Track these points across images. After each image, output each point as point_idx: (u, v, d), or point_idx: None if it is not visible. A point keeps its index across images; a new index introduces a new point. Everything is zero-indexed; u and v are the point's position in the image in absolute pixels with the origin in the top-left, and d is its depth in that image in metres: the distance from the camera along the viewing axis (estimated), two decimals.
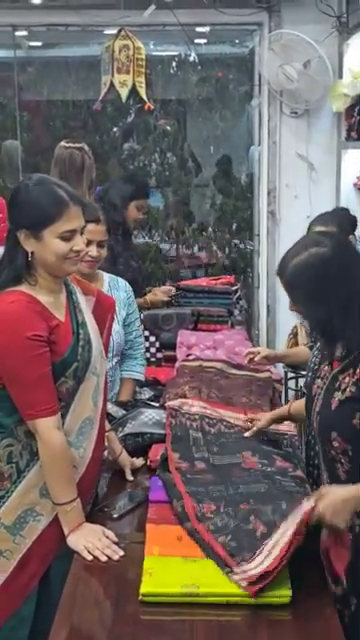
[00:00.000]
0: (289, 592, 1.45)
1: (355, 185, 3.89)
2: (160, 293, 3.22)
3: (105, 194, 3.23)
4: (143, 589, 1.45)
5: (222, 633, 1.38)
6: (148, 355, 3.09)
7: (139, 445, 2.09)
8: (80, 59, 4.91)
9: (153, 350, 3.14)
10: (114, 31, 3.72)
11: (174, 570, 1.49)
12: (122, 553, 1.61)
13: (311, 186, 4.03)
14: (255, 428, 2.06)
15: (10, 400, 1.67)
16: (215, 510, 1.65)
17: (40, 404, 1.64)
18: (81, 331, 1.78)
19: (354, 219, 3.24)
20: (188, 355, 2.78)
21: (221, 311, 3.18)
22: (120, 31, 3.67)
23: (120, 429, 2.11)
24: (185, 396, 2.26)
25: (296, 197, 4.05)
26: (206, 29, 4.07)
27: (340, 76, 3.79)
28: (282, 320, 4.11)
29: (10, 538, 1.70)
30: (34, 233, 1.67)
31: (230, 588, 1.45)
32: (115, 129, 5.18)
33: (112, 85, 3.66)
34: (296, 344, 3.53)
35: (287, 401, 3.27)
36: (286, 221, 4.08)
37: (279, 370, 3.10)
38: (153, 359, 3.12)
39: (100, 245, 2.37)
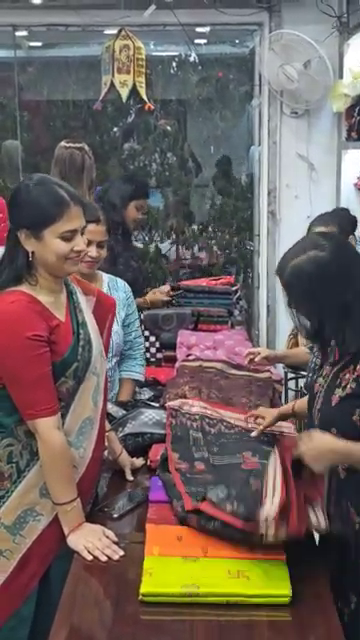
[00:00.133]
0: (289, 592, 1.45)
1: (355, 185, 3.89)
2: (160, 293, 3.22)
3: (105, 194, 3.23)
4: (143, 589, 1.45)
5: (222, 633, 1.38)
6: (148, 355, 3.09)
7: (139, 445, 2.09)
8: (80, 59, 4.90)
9: (153, 350, 3.14)
10: (114, 31, 3.72)
11: (174, 570, 1.49)
12: (122, 553, 1.62)
13: (311, 186, 4.03)
14: (261, 427, 2.04)
15: (10, 400, 1.67)
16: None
17: (40, 404, 1.64)
18: (81, 331, 1.78)
19: (354, 219, 3.25)
20: (188, 355, 2.78)
21: (221, 311, 3.18)
22: (120, 31, 3.67)
23: (120, 429, 2.11)
24: (185, 396, 2.26)
25: (296, 197, 4.05)
26: (206, 29, 4.07)
27: (340, 76, 3.79)
28: (282, 320, 4.11)
29: (10, 538, 1.70)
30: (35, 233, 1.67)
31: (230, 588, 1.45)
32: (115, 129, 5.17)
33: (112, 85, 3.67)
34: (296, 344, 3.53)
35: (287, 401, 3.27)
36: (286, 221, 4.08)
37: (279, 370, 3.10)
38: (153, 359, 3.12)
39: (100, 245, 2.37)
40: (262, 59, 3.99)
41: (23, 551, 1.70)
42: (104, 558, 1.60)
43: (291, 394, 3.81)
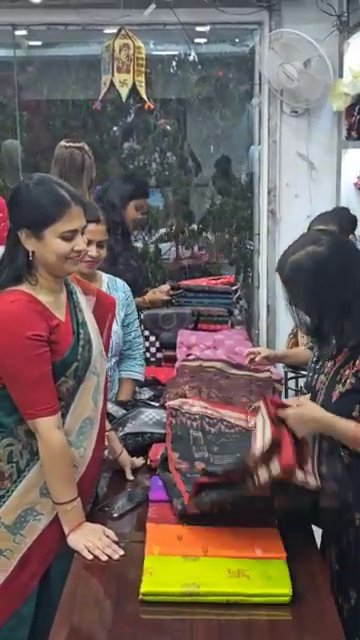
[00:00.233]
0: (289, 591, 1.45)
1: (355, 184, 3.89)
2: (159, 292, 3.22)
3: (104, 194, 3.22)
4: (143, 588, 1.45)
5: (222, 632, 1.38)
6: (148, 355, 3.09)
7: (139, 445, 2.09)
8: (80, 58, 4.90)
9: (153, 350, 3.13)
10: (114, 30, 3.71)
11: (174, 569, 1.49)
12: (122, 552, 1.62)
13: (311, 185, 4.03)
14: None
15: (10, 400, 1.67)
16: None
17: (40, 404, 1.64)
18: (81, 331, 1.78)
19: (354, 218, 3.25)
20: (188, 355, 2.77)
21: (221, 311, 3.18)
22: (120, 30, 3.66)
23: (120, 429, 2.11)
24: (185, 396, 2.26)
25: (296, 196, 4.05)
26: (206, 28, 4.06)
27: (340, 75, 3.79)
28: (282, 320, 4.11)
29: (10, 537, 1.70)
30: (35, 232, 1.67)
31: (230, 587, 1.45)
32: (115, 128, 5.17)
33: (112, 84, 3.66)
34: (296, 344, 3.53)
35: None
36: (286, 220, 4.07)
37: (279, 370, 3.10)
38: (153, 359, 3.12)
39: (100, 245, 2.37)
40: (262, 58, 3.99)
41: (23, 551, 1.70)
42: (104, 557, 1.60)
43: (291, 393, 3.81)
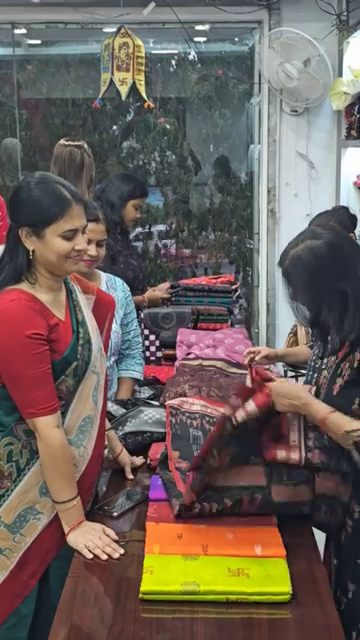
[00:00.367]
0: (289, 590, 1.45)
1: (355, 184, 3.89)
2: (158, 291, 3.22)
3: (102, 193, 3.22)
4: (143, 587, 1.45)
5: (222, 631, 1.38)
6: (148, 354, 3.09)
7: (139, 444, 2.09)
8: (79, 57, 4.89)
9: (153, 349, 3.13)
10: (114, 29, 3.71)
11: (174, 568, 1.49)
12: (122, 551, 1.62)
13: (311, 184, 4.03)
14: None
15: (10, 399, 1.67)
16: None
17: (40, 403, 1.64)
18: (81, 330, 1.78)
19: (354, 217, 3.25)
20: (188, 354, 2.77)
21: (221, 310, 3.18)
22: (120, 29, 3.66)
23: (120, 428, 2.11)
24: (185, 395, 2.26)
25: (296, 195, 4.05)
26: (206, 27, 4.06)
27: (340, 74, 3.78)
28: (282, 319, 4.11)
29: (10, 537, 1.70)
30: (36, 231, 1.67)
31: (230, 586, 1.45)
32: (114, 127, 5.17)
33: (112, 83, 3.66)
34: (296, 343, 3.53)
35: None
36: (286, 219, 4.07)
37: (279, 369, 3.10)
38: (153, 358, 3.12)
39: (99, 244, 2.37)
40: (262, 57, 3.99)
41: (23, 550, 1.70)
42: (104, 556, 1.60)
43: None
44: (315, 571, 1.56)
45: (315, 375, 1.91)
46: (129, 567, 1.57)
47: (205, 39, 4.44)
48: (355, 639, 1.66)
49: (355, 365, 1.64)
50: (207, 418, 2.09)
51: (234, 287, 3.31)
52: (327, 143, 4.01)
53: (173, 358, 2.84)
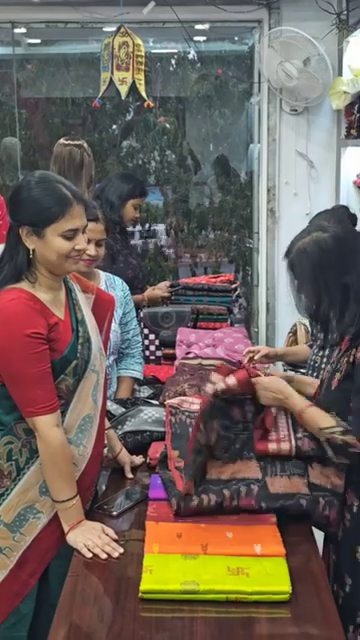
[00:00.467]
0: (289, 589, 1.45)
1: (355, 183, 3.89)
2: (158, 289, 3.22)
3: (102, 192, 3.22)
4: (143, 586, 1.45)
5: (222, 630, 1.38)
6: (147, 353, 3.09)
7: (139, 443, 2.09)
8: (79, 56, 4.89)
9: (152, 348, 3.13)
10: (113, 28, 3.71)
11: (174, 567, 1.49)
12: (122, 550, 1.62)
13: (311, 184, 4.03)
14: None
15: (10, 398, 1.67)
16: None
17: (39, 402, 1.64)
18: (80, 329, 1.78)
19: (354, 217, 3.24)
20: (187, 353, 2.77)
21: (221, 309, 3.18)
22: (120, 28, 3.66)
23: (120, 427, 2.11)
24: (184, 394, 2.26)
25: (296, 195, 4.05)
26: (206, 26, 4.05)
27: (340, 73, 3.78)
28: (281, 318, 4.11)
29: (10, 536, 1.70)
30: (36, 230, 1.67)
31: (230, 585, 1.45)
32: (114, 126, 5.17)
33: (111, 82, 3.65)
34: (295, 342, 3.53)
35: None
36: (285, 219, 4.07)
37: (278, 368, 3.10)
38: (152, 357, 3.12)
39: (98, 244, 2.37)
40: (261, 56, 3.98)
41: (23, 549, 1.70)
42: (104, 555, 1.60)
43: None
44: (315, 570, 1.56)
45: (314, 374, 1.92)
46: (128, 566, 1.57)
47: (205, 38, 4.43)
48: (352, 632, 1.67)
49: (351, 360, 1.66)
50: None
51: (234, 286, 3.31)
52: (327, 142, 4.00)
53: (173, 357, 2.84)
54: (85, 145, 3.27)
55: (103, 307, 1.97)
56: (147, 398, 2.42)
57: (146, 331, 3.10)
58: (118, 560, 1.59)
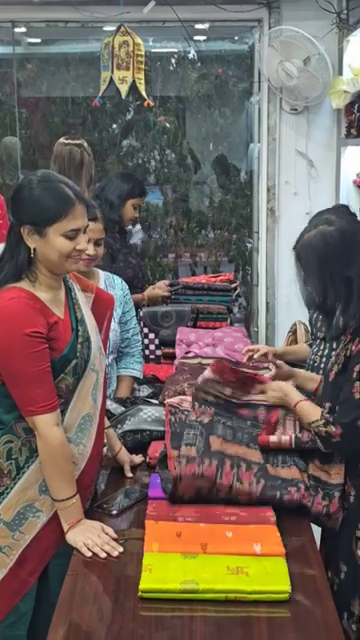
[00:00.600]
0: (288, 589, 1.45)
1: (355, 182, 3.88)
2: (158, 288, 3.22)
3: (102, 192, 3.22)
4: (142, 585, 1.45)
5: (221, 629, 1.38)
6: (147, 352, 3.09)
7: (138, 442, 2.09)
8: (79, 55, 4.89)
9: (152, 347, 3.13)
10: (113, 27, 3.71)
11: (173, 566, 1.49)
12: (121, 549, 1.62)
13: (311, 183, 4.02)
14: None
15: (9, 397, 1.67)
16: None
17: (39, 401, 1.64)
18: (80, 328, 1.78)
19: (354, 216, 3.24)
20: (187, 352, 2.77)
21: (220, 308, 3.18)
22: (120, 27, 3.65)
23: (119, 426, 2.11)
24: (184, 393, 2.26)
25: (296, 194, 4.05)
26: (206, 26, 4.05)
27: (340, 73, 3.78)
28: (281, 318, 4.11)
29: (9, 534, 1.70)
30: (38, 230, 1.67)
31: (229, 584, 1.45)
32: (114, 126, 5.17)
33: (111, 82, 3.65)
34: (295, 341, 3.53)
35: None
36: (285, 218, 4.07)
37: None
38: (152, 356, 3.12)
39: (97, 243, 2.37)
40: (261, 56, 3.98)
41: (22, 547, 1.71)
42: (103, 554, 1.60)
43: None
44: (314, 569, 1.56)
45: (314, 373, 1.93)
46: (128, 565, 1.57)
47: (205, 38, 4.43)
48: (347, 620, 1.68)
49: (348, 354, 1.69)
50: None
51: (233, 286, 3.31)
52: (327, 142, 4.00)
53: (172, 356, 2.84)
54: (85, 144, 3.27)
55: (102, 306, 1.97)
56: (147, 397, 2.42)
57: (146, 330, 3.10)
58: (117, 559, 1.60)
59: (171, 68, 5.01)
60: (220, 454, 1.76)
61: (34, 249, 1.68)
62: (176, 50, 4.84)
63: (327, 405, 1.74)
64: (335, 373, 1.74)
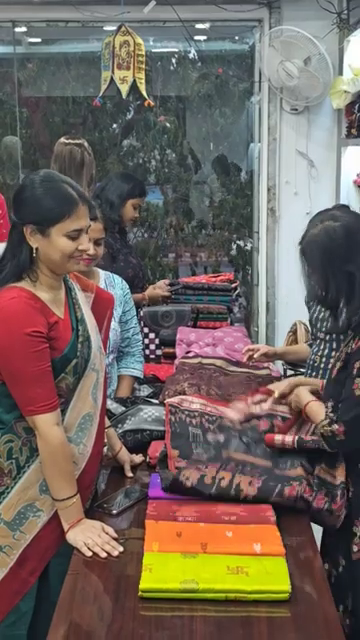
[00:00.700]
0: (288, 588, 1.45)
1: (355, 182, 3.89)
2: (158, 288, 3.22)
3: (102, 192, 3.22)
4: (142, 585, 1.45)
5: (221, 629, 1.39)
6: (147, 352, 3.09)
7: (138, 442, 2.09)
8: (80, 55, 4.89)
9: (152, 347, 3.14)
10: (114, 27, 3.71)
11: (173, 566, 1.49)
12: (121, 549, 1.62)
13: (311, 183, 4.03)
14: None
15: (10, 396, 1.67)
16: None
17: (39, 400, 1.64)
18: (80, 327, 1.78)
19: None
20: (187, 352, 2.78)
21: (221, 308, 3.18)
22: (120, 27, 3.65)
23: (119, 425, 2.11)
24: (184, 393, 2.26)
25: (296, 194, 4.05)
26: (206, 25, 4.05)
27: (340, 73, 3.78)
28: (281, 318, 4.11)
29: (10, 534, 1.70)
30: (41, 229, 1.67)
31: (229, 584, 1.45)
32: (115, 125, 5.17)
33: (112, 81, 3.65)
34: (295, 341, 3.53)
35: None
36: (286, 218, 4.07)
37: (278, 367, 3.10)
38: (152, 356, 3.12)
39: (97, 243, 2.37)
40: (262, 56, 3.98)
41: (23, 547, 1.71)
42: (103, 554, 1.60)
43: None
44: (314, 569, 1.56)
45: (314, 373, 1.94)
46: (128, 565, 1.57)
47: (205, 37, 4.43)
48: (342, 612, 1.69)
49: (349, 351, 1.70)
50: (206, 417, 2.09)
51: (234, 285, 3.31)
52: (327, 142, 4.01)
53: (173, 356, 2.85)
54: (86, 144, 3.27)
55: (102, 306, 1.97)
56: (147, 397, 2.42)
57: (146, 330, 3.11)
58: (118, 559, 1.60)
59: (172, 68, 5.01)
60: (227, 459, 1.83)
61: (36, 249, 1.69)
62: (177, 50, 4.84)
63: (330, 403, 1.76)
64: (337, 370, 1.76)
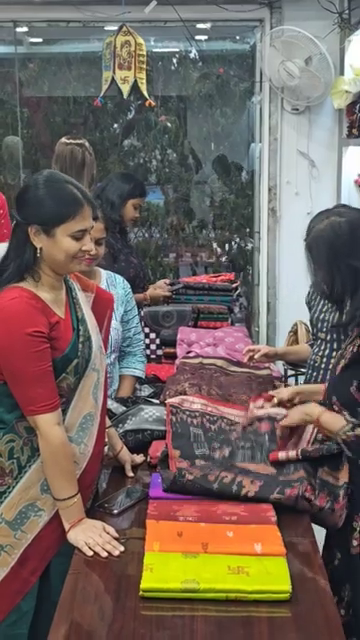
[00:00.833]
0: (289, 588, 1.45)
1: (356, 182, 3.89)
2: (159, 288, 3.22)
3: (102, 192, 3.23)
4: (143, 585, 1.45)
5: (222, 629, 1.39)
6: (148, 352, 3.10)
7: (139, 441, 2.10)
8: (81, 55, 4.90)
9: (153, 347, 3.14)
10: (115, 27, 3.71)
11: (174, 566, 1.49)
12: (122, 549, 1.62)
13: (312, 183, 4.03)
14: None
15: (11, 396, 1.68)
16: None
17: (41, 400, 1.65)
18: (81, 327, 1.78)
19: None
20: (188, 352, 2.78)
21: (221, 308, 3.18)
22: (121, 27, 3.66)
23: (120, 425, 2.11)
24: (185, 393, 2.26)
25: (297, 194, 4.05)
26: (207, 25, 4.06)
27: (342, 73, 3.78)
28: (282, 318, 4.11)
29: (11, 533, 1.71)
30: (46, 229, 1.67)
31: (230, 584, 1.45)
32: (116, 125, 5.17)
33: (113, 81, 3.65)
34: (296, 342, 3.54)
35: None
36: (287, 218, 4.07)
37: (279, 367, 3.10)
38: (153, 356, 3.12)
39: (98, 243, 2.37)
40: (263, 55, 3.98)
41: (24, 546, 1.71)
42: (104, 554, 1.60)
43: None
44: (315, 569, 1.56)
45: (314, 373, 1.94)
46: (129, 564, 1.57)
47: (206, 37, 4.44)
48: (337, 605, 1.69)
49: (355, 349, 1.70)
50: (207, 417, 2.09)
51: (234, 285, 3.32)
52: (328, 142, 4.01)
53: (173, 356, 2.85)
54: (87, 144, 3.27)
55: (103, 305, 1.97)
56: (148, 397, 2.42)
57: (147, 330, 3.11)
58: (119, 558, 1.60)
59: (172, 68, 5.02)
60: (231, 466, 1.82)
61: (40, 249, 1.69)
62: (178, 50, 4.85)
63: (334, 399, 1.75)
64: (342, 367, 1.75)
